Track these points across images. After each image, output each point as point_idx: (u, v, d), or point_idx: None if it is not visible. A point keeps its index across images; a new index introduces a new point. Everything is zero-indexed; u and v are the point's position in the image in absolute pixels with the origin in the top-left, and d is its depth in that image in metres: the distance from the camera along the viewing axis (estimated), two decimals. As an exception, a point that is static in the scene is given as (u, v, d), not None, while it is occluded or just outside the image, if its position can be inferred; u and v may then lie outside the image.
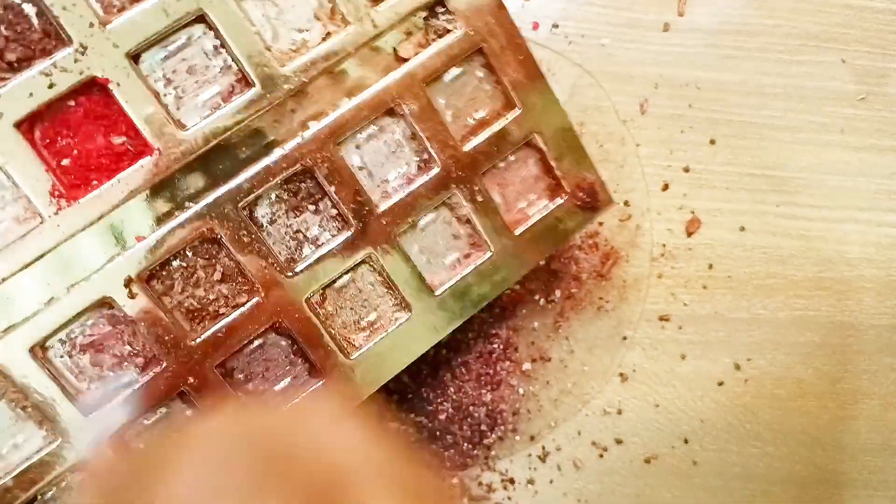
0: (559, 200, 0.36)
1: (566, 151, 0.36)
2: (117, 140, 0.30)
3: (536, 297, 0.42)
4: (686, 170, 0.44)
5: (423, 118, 0.33)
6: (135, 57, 0.30)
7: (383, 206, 0.33)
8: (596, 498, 0.43)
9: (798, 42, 0.45)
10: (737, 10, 0.44)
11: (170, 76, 0.31)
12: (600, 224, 0.43)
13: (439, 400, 0.41)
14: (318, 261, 0.33)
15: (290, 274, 0.32)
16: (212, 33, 0.31)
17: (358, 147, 0.33)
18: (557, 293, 0.43)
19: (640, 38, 0.44)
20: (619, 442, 0.43)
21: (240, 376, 0.33)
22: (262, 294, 0.32)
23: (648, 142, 0.44)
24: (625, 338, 0.44)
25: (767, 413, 0.45)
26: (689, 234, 0.44)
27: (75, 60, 0.29)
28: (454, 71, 0.34)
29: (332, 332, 0.34)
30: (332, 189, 0.32)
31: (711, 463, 0.44)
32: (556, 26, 0.43)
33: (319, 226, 0.33)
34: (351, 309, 0.34)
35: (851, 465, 0.46)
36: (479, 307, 0.36)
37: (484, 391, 0.42)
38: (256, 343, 0.33)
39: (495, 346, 0.42)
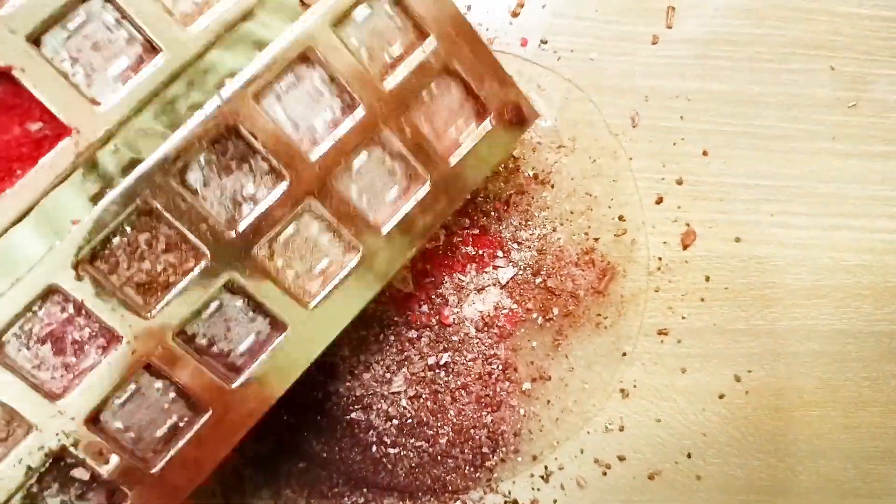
0: (487, 123, 0.37)
1: (485, 72, 0.36)
2: (33, 127, 0.30)
3: (534, 315, 0.42)
4: (679, 182, 0.44)
5: (339, 61, 0.33)
6: (35, 41, 0.29)
7: (314, 155, 0.33)
8: (600, 516, 0.43)
9: (787, 50, 0.45)
10: (725, 19, 0.44)
11: (75, 55, 0.30)
12: (596, 240, 0.43)
13: (439, 424, 0.41)
14: (258, 217, 0.33)
15: (232, 234, 0.32)
16: (110, 6, 0.30)
17: (278, 99, 0.33)
18: (555, 311, 0.42)
19: (629, 50, 0.43)
20: (621, 459, 0.43)
21: (202, 341, 0.33)
22: (209, 257, 0.32)
23: (641, 155, 0.44)
24: (624, 353, 0.43)
25: (769, 424, 0.45)
26: (685, 247, 0.44)
27: None
28: (362, 10, 0.34)
29: (287, 284, 0.34)
30: (260, 144, 0.32)
31: (715, 477, 0.44)
32: (544, 42, 0.43)
33: (254, 183, 0.33)
34: (301, 259, 0.34)
35: (855, 473, 0.45)
36: (428, 235, 0.36)
37: (484, 413, 0.41)
38: (213, 306, 0.33)
39: (494, 366, 0.41)
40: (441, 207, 0.36)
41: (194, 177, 0.32)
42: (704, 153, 0.44)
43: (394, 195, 0.36)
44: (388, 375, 0.40)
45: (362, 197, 0.35)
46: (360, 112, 0.34)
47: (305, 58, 0.33)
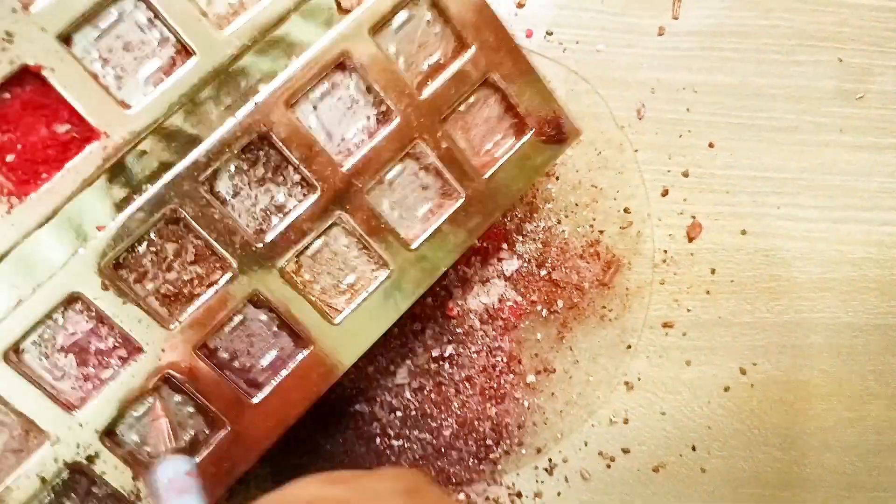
0: (525, 137, 0.35)
1: (525, 86, 0.35)
2: (61, 129, 0.29)
3: (539, 308, 0.42)
4: (686, 174, 0.44)
5: (375, 69, 0.32)
6: (66, 39, 0.29)
7: (347, 165, 0.32)
8: (604, 508, 0.43)
9: (794, 42, 0.45)
10: (731, 11, 0.44)
11: (106, 55, 0.29)
12: (601, 232, 0.43)
13: (443, 416, 0.41)
14: (287, 229, 0.32)
15: (260, 245, 0.32)
16: (143, 5, 0.29)
17: (312, 107, 0.32)
18: (560, 303, 0.42)
19: (635, 42, 0.43)
20: (626, 451, 0.43)
21: (224, 355, 0.32)
22: (236, 269, 0.31)
23: (647, 147, 0.43)
24: (629, 346, 0.43)
25: (774, 417, 0.44)
26: (691, 240, 0.44)
27: (3, 49, 0.27)
28: (401, 16, 0.33)
29: (312, 298, 0.33)
30: (292, 153, 0.31)
31: (720, 470, 0.44)
32: (549, 33, 0.42)
33: (284, 193, 0.32)
34: (328, 273, 0.34)
35: (861, 466, 0.45)
36: (458, 254, 0.35)
37: (488, 405, 0.41)
38: (237, 319, 0.32)
39: (498, 359, 0.41)
40: (474, 224, 0.35)
41: (223, 185, 0.31)
42: (711, 145, 0.44)
43: (426, 210, 0.35)
44: (392, 368, 0.40)
45: (394, 211, 0.34)
46: (395, 122, 0.33)
47: (341, 65, 0.32)
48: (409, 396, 0.41)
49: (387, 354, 0.40)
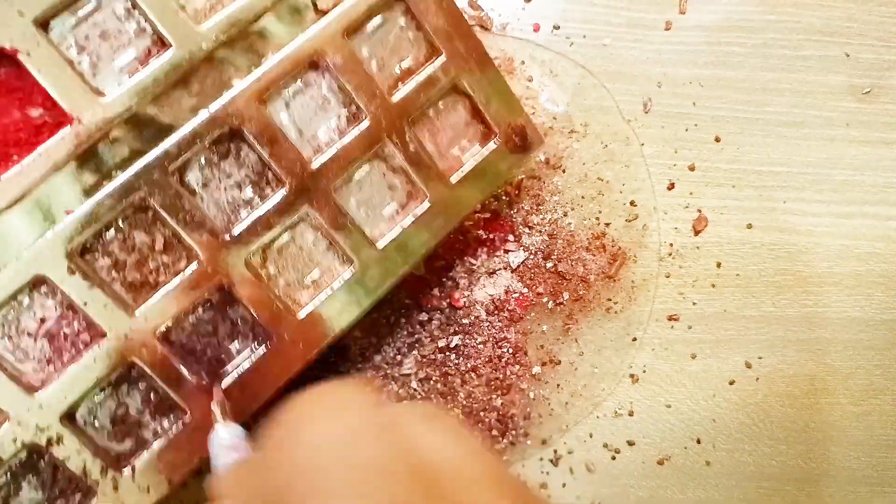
0: (491, 144, 0.36)
1: (493, 95, 0.36)
2: (34, 112, 0.29)
3: (545, 299, 0.42)
4: (692, 168, 0.44)
5: (348, 70, 0.33)
6: (43, 25, 0.29)
7: (316, 163, 0.33)
8: (609, 500, 0.43)
9: (801, 37, 0.45)
10: (738, 6, 0.44)
11: (83, 42, 0.30)
12: (607, 225, 0.43)
13: (449, 406, 0.41)
14: (254, 222, 0.32)
15: (227, 237, 0.32)
16: None
17: (284, 104, 0.33)
18: (566, 295, 0.42)
19: (641, 37, 0.43)
20: (631, 444, 0.43)
21: (187, 344, 0.32)
22: (202, 259, 0.32)
23: (653, 141, 0.44)
24: (634, 339, 0.43)
25: (780, 411, 0.45)
26: (697, 233, 0.44)
27: None
28: (376, 20, 0.34)
29: (277, 292, 0.33)
30: (262, 148, 0.32)
31: (724, 463, 0.44)
32: (557, 27, 0.43)
33: (253, 187, 0.33)
34: (293, 268, 0.34)
35: (866, 461, 0.45)
36: (422, 255, 0.36)
37: (494, 396, 0.42)
38: (201, 309, 0.33)
39: (504, 350, 0.42)
40: (437, 226, 0.36)
41: (193, 176, 0.32)
42: (717, 139, 0.44)
43: (392, 210, 0.35)
44: (398, 357, 0.41)
45: (360, 209, 0.35)
46: (365, 123, 0.33)
47: (315, 64, 0.33)
48: (415, 386, 0.41)
49: (394, 344, 0.41)
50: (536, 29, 0.43)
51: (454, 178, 0.36)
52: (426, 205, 0.35)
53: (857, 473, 0.45)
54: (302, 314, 0.34)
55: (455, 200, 0.36)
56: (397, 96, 0.34)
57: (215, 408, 0.31)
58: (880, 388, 0.45)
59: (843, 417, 0.45)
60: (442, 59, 0.35)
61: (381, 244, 0.35)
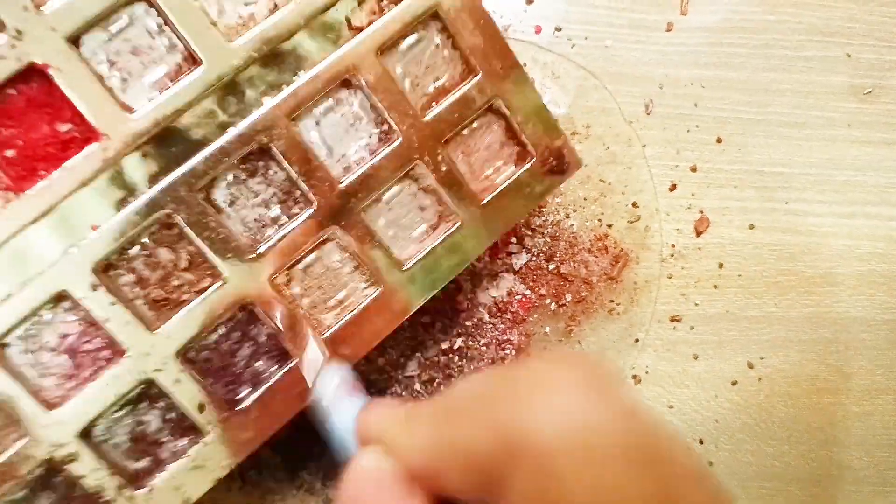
0: (526, 166, 0.35)
1: (530, 115, 0.35)
2: (63, 127, 0.29)
3: (547, 301, 0.42)
4: (693, 169, 0.44)
5: (381, 88, 0.32)
6: (75, 40, 0.29)
7: (345, 182, 0.32)
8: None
9: (802, 37, 0.45)
10: (740, 6, 0.44)
11: (113, 58, 0.29)
12: (609, 226, 0.43)
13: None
14: (280, 241, 0.32)
15: (252, 256, 0.31)
16: (154, 11, 0.29)
17: (315, 122, 0.32)
18: (568, 297, 0.42)
19: (643, 38, 0.43)
20: (633, 444, 0.43)
21: (208, 363, 0.32)
22: (226, 278, 0.31)
23: (655, 142, 0.44)
24: (637, 340, 0.43)
25: (782, 411, 0.45)
26: (699, 234, 0.44)
27: (12, 47, 0.28)
28: (410, 38, 0.33)
29: (301, 312, 0.33)
30: (291, 166, 0.31)
31: (727, 463, 0.44)
32: (558, 29, 0.43)
33: (281, 205, 0.32)
34: (319, 288, 0.33)
35: (868, 461, 0.45)
36: (450, 278, 0.35)
37: (497, 398, 0.42)
38: (222, 329, 0.32)
39: (507, 352, 0.42)
40: (467, 248, 0.35)
41: (220, 194, 0.31)
42: (719, 140, 0.44)
43: (421, 231, 0.35)
44: (402, 360, 0.41)
45: (389, 230, 0.34)
46: (396, 142, 0.33)
47: (347, 82, 0.32)
48: (418, 388, 0.41)
49: (397, 347, 0.41)
50: (538, 31, 0.43)
51: (486, 200, 0.35)
52: (457, 226, 0.34)
53: (859, 473, 0.45)
54: (326, 335, 0.33)
55: (487, 222, 0.35)
56: (430, 115, 0.33)
57: (314, 345, 0.30)
58: (882, 388, 0.45)
59: (846, 418, 0.45)
60: (478, 78, 0.34)
61: (408, 266, 0.34)
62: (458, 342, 0.41)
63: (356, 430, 0.23)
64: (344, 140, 0.33)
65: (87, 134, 0.29)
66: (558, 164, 0.36)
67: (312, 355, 0.31)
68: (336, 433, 0.25)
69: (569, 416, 0.17)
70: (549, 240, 0.42)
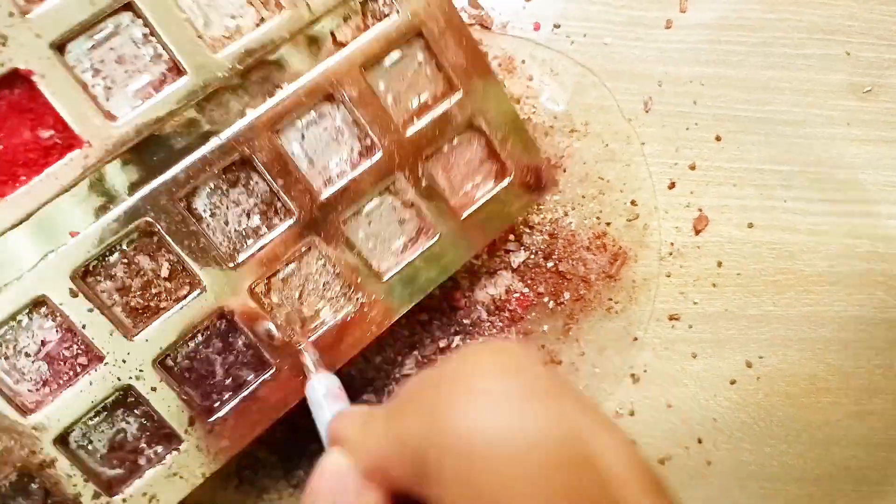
0: (504, 183, 0.36)
1: (510, 133, 0.36)
2: (45, 134, 0.29)
3: (546, 299, 0.42)
4: (692, 167, 0.44)
5: (363, 103, 0.33)
6: (60, 47, 0.29)
7: (326, 194, 0.33)
8: (610, 500, 0.43)
9: (802, 35, 0.45)
10: (739, 4, 0.44)
11: (98, 66, 0.30)
12: (608, 224, 0.43)
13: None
14: (259, 251, 0.32)
15: (231, 265, 0.32)
16: (140, 21, 0.30)
17: (297, 134, 0.33)
18: (566, 295, 0.42)
19: (642, 35, 0.43)
20: (632, 443, 0.43)
21: (185, 371, 0.32)
22: (205, 286, 0.31)
23: (654, 140, 0.43)
24: (635, 338, 0.43)
25: (781, 410, 0.45)
26: (698, 232, 0.44)
27: None
28: (394, 55, 0.34)
29: (279, 322, 0.33)
30: (272, 178, 0.32)
31: (725, 462, 0.44)
32: (557, 26, 0.43)
33: (261, 216, 0.33)
34: (298, 298, 0.34)
35: (867, 460, 0.45)
36: (428, 291, 0.35)
37: (495, 396, 0.41)
38: (200, 337, 0.32)
39: (505, 350, 0.42)
40: (445, 262, 0.35)
41: (201, 203, 0.32)
42: (718, 138, 0.44)
43: (400, 244, 0.35)
44: (399, 358, 0.41)
45: (368, 242, 0.34)
46: (377, 156, 0.33)
47: (330, 96, 0.32)
48: (416, 387, 0.41)
49: (394, 345, 0.41)
50: (537, 28, 0.42)
51: (464, 215, 0.35)
52: (435, 240, 0.35)
53: (857, 473, 0.45)
54: (303, 345, 0.33)
55: (465, 237, 0.36)
56: (412, 131, 0.34)
57: (309, 358, 0.31)
58: (881, 387, 0.45)
59: (845, 417, 0.45)
60: (459, 95, 0.34)
61: (387, 278, 0.34)
62: (456, 340, 0.41)
63: (328, 434, 0.25)
64: (326, 153, 0.33)
65: (69, 141, 0.29)
66: (536, 182, 0.37)
67: (308, 361, 0.32)
68: (322, 437, 0.27)
69: (489, 405, 0.18)
70: (547, 237, 0.42)
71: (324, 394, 0.29)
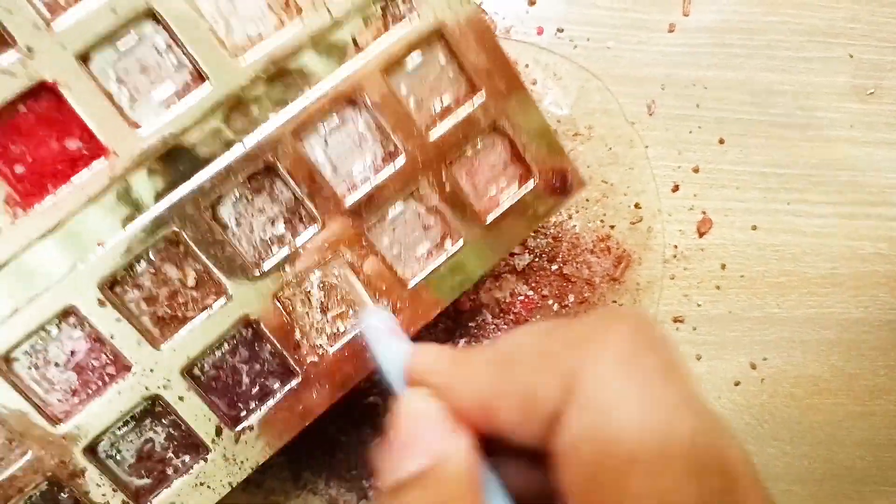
0: (529, 186, 0.35)
1: (534, 135, 0.35)
2: (72, 144, 0.29)
3: (550, 302, 0.42)
4: (696, 170, 0.44)
5: (386, 108, 0.32)
6: (84, 58, 0.29)
7: (350, 201, 0.32)
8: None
9: (804, 38, 0.45)
10: (742, 7, 0.44)
11: (122, 76, 0.30)
12: (612, 227, 0.43)
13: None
14: (285, 259, 0.32)
15: (257, 273, 0.32)
16: (162, 30, 0.30)
17: (320, 140, 0.32)
18: (571, 298, 0.42)
19: (645, 39, 0.44)
20: (636, 445, 0.43)
21: (212, 379, 0.32)
22: (231, 295, 0.31)
23: (657, 143, 0.44)
24: (639, 340, 0.43)
25: (784, 412, 0.45)
26: (701, 235, 0.44)
27: (22, 64, 0.28)
28: (416, 58, 0.33)
29: (305, 330, 0.33)
30: (296, 185, 0.32)
31: (730, 463, 0.44)
32: (560, 30, 0.43)
33: (286, 223, 0.32)
34: (322, 306, 0.33)
35: (870, 461, 0.45)
36: (454, 298, 0.35)
37: (500, 398, 0.42)
38: (227, 346, 0.32)
39: (510, 352, 0.42)
40: (471, 268, 0.35)
41: (226, 211, 0.32)
42: (721, 141, 0.44)
43: (425, 250, 0.35)
44: (405, 361, 0.41)
45: (393, 248, 0.34)
46: (401, 161, 0.33)
47: (352, 101, 0.32)
48: (421, 389, 0.41)
49: (400, 348, 0.41)
50: (540, 32, 0.43)
51: (490, 219, 0.35)
52: (460, 245, 0.35)
53: (861, 474, 0.45)
54: (331, 350, 0.33)
55: (491, 241, 0.35)
56: (435, 135, 0.33)
57: (362, 289, 0.31)
58: (884, 388, 0.45)
59: (848, 418, 0.45)
60: (482, 98, 0.34)
61: (412, 284, 0.34)
62: (461, 343, 0.41)
63: (404, 372, 0.24)
64: (349, 159, 0.33)
65: (96, 150, 0.29)
66: (561, 185, 0.36)
67: (361, 292, 0.32)
68: (382, 373, 0.26)
69: (634, 380, 0.18)
70: (551, 241, 0.42)
71: (386, 330, 0.27)
